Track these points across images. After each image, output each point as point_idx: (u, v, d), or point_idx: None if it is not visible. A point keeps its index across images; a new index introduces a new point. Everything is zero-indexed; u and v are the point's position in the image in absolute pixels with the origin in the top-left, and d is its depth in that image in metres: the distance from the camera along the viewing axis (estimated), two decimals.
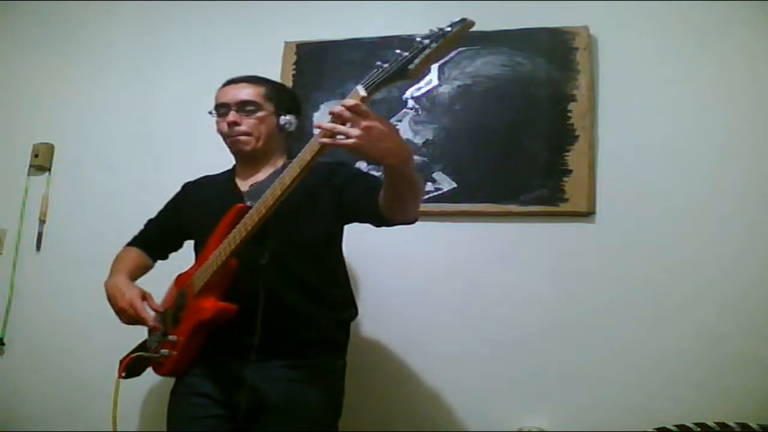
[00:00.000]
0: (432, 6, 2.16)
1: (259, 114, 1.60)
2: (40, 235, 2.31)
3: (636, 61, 1.98)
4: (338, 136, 1.21)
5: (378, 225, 1.49)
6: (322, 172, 1.53)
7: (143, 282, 1.66)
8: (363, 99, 1.23)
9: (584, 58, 1.98)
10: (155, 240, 1.79)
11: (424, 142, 2.05)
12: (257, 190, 1.53)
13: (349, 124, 1.20)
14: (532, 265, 1.93)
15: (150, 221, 1.82)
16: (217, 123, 1.65)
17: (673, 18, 1.98)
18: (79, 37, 2.46)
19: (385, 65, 1.22)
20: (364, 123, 1.19)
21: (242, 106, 1.60)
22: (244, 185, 1.63)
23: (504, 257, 1.96)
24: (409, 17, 2.17)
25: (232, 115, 1.59)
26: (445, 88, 2.06)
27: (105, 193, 2.30)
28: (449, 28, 1.20)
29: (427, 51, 1.19)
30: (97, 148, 2.35)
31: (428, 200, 1.99)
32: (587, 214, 1.91)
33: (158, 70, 2.36)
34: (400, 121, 2.07)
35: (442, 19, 2.08)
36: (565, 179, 1.93)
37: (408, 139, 2.06)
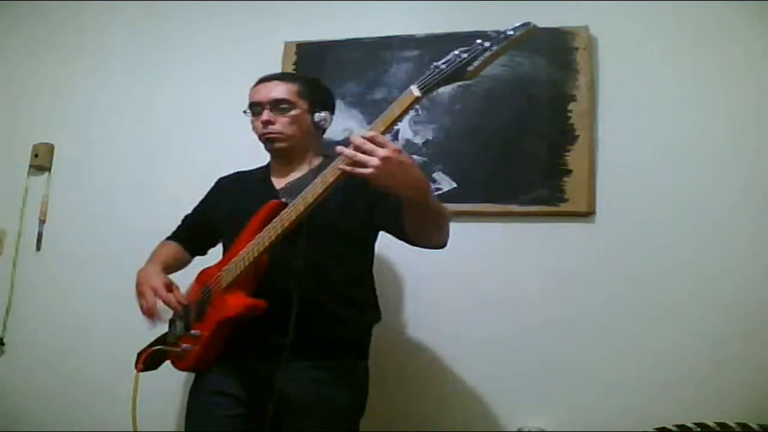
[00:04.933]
0: (432, 6, 2.16)
1: (293, 112, 1.58)
2: (40, 235, 2.31)
3: (636, 61, 1.99)
4: (357, 166, 1.22)
5: (411, 245, 1.51)
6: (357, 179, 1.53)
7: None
8: (416, 99, 1.24)
9: (584, 58, 1.98)
10: (191, 235, 1.77)
11: (424, 142, 2.05)
12: (293, 187, 1.52)
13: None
14: (532, 265, 1.93)
15: (186, 217, 1.81)
16: (252, 122, 1.63)
17: (673, 18, 1.99)
18: (80, 38, 2.46)
19: (442, 66, 1.22)
20: (383, 153, 1.21)
21: (276, 105, 1.58)
22: (279, 182, 1.61)
23: (504, 257, 1.96)
24: (409, 17, 2.17)
25: (266, 114, 1.58)
26: (445, 88, 2.05)
27: (105, 193, 2.29)
28: (512, 32, 1.19)
29: (488, 54, 1.18)
30: (97, 148, 2.35)
31: None
32: (587, 214, 1.91)
33: (158, 70, 2.36)
34: (400, 120, 2.07)
35: (442, 19, 2.10)
36: (565, 179, 1.93)
37: (408, 139, 2.06)
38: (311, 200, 1.33)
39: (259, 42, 2.26)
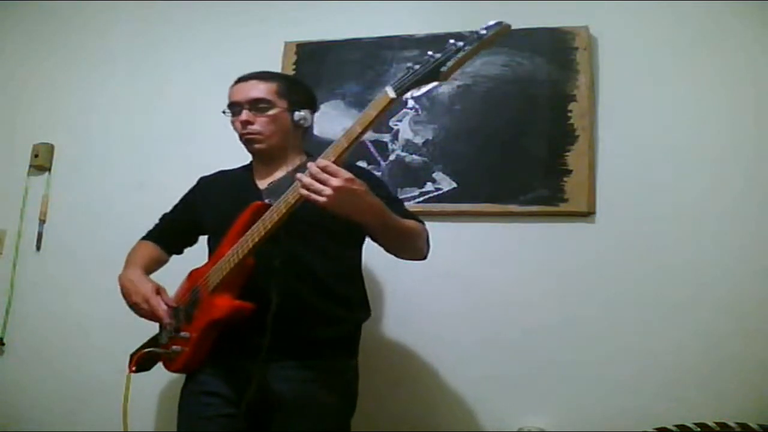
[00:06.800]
0: (432, 6, 2.16)
1: (272, 112, 1.57)
2: (40, 235, 2.31)
3: (636, 61, 1.98)
4: (313, 192, 1.26)
5: None
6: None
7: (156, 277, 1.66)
8: (392, 100, 1.25)
9: (584, 58, 1.98)
10: (170, 234, 1.77)
11: (424, 142, 2.05)
12: (276, 187, 1.53)
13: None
14: (532, 265, 1.93)
15: (165, 215, 1.80)
16: (232, 123, 1.62)
17: (673, 18, 1.98)
18: (80, 38, 2.46)
19: (417, 66, 1.23)
20: (335, 183, 1.24)
21: (254, 104, 1.57)
22: (262, 182, 1.61)
23: (504, 257, 1.96)
24: (409, 17, 2.17)
25: (245, 114, 1.57)
26: (445, 88, 2.06)
27: (105, 193, 2.30)
28: (484, 31, 1.20)
29: (461, 54, 1.20)
30: (97, 148, 2.35)
31: (428, 200, 1.99)
32: (587, 214, 1.91)
33: (158, 70, 2.36)
34: (400, 121, 2.08)
35: (441, 19, 2.10)
36: (565, 179, 1.93)
37: (408, 140, 2.06)
38: (293, 201, 1.34)
39: (259, 42, 2.26)
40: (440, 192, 2.00)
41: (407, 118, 2.08)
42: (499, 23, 1.20)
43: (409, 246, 1.52)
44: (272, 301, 1.41)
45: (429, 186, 2.01)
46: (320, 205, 1.26)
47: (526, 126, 1.99)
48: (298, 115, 1.59)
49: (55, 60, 2.47)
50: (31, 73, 2.48)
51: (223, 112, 1.63)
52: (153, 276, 1.66)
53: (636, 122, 1.95)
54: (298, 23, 2.25)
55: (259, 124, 1.58)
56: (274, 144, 1.59)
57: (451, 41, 1.21)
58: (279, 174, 1.61)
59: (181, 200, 1.78)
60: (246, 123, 1.57)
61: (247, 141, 1.60)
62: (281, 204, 1.36)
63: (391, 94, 1.25)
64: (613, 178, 1.92)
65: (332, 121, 2.08)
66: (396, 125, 2.07)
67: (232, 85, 1.63)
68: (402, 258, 1.55)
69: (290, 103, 1.59)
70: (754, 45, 1.91)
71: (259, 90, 1.58)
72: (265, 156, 1.62)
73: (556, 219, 1.93)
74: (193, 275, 1.59)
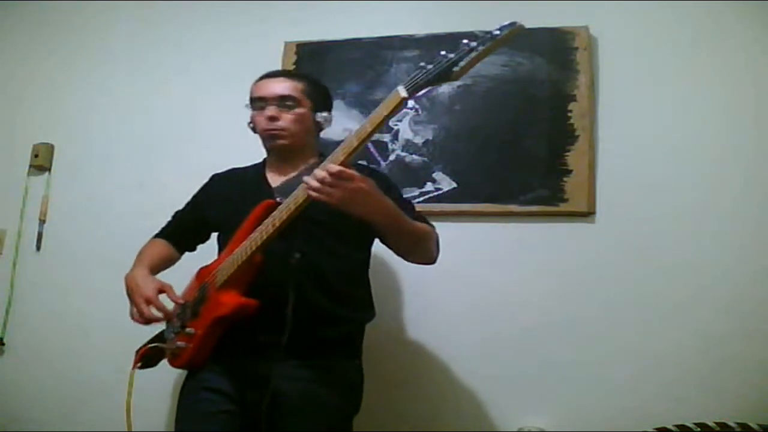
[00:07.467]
0: (432, 6, 2.16)
1: (298, 110, 1.58)
2: (40, 235, 2.31)
3: (636, 61, 1.99)
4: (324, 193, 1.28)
5: None
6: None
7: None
8: (403, 99, 1.25)
9: (584, 58, 1.98)
10: (182, 232, 1.77)
11: (424, 142, 2.05)
12: (288, 186, 1.52)
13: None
14: (532, 265, 1.93)
15: (177, 213, 1.80)
16: (253, 117, 1.62)
17: (673, 18, 1.98)
18: (80, 38, 2.47)
19: (429, 66, 1.23)
20: (349, 186, 1.26)
21: (281, 101, 1.57)
22: (274, 181, 1.61)
23: (504, 257, 1.96)
24: (409, 17, 2.17)
25: (272, 110, 1.57)
26: (445, 88, 2.06)
27: (105, 193, 2.30)
28: (498, 32, 1.19)
29: (474, 54, 1.20)
30: (97, 148, 2.35)
31: (428, 200, 1.99)
32: (587, 214, 1.91)
33: (158, 70, 2.36)
34: (400, 121, 2.07)
35: (441, 19, 2.10)
36: (565, 179, 1.93)
37: (408, 140, 2.06)
38: (302, 200, 1.34)
39: (259, 42, 2.26)
40: (440, 192, 2.00)
41: (407, 118, 2.08)
42: (513, 23, 1.20)
43: (419, 249, 1.53)
44: (287, 302, 1.42)
45: (429, 186, 2.01)
46: (333, 203, 1.27)
47: (526, 126, 1.99)
48: (320, 116, 1.61)
49: (55, 60, 2.47)
50: (31, 73, 2.48)
51: (246, 106, 1.62)
52: (164, 274, 1.66)
53: (636, 122, 1.95)
54: (298, 23, 2.25)
55: (285, 121, 1.57)
56: (296, 142, 1.59)
57: (465, 41, 1.20)
58: (293, 173, 1.60)
59: (193, 197, 1.78)
60: (272, 118, 1.57)
61: (271, 136, 1.59)
62: (291, 202, 1.36)
63: (403, 93, 1.25)
64: (613, 178, 1.92)
65: (332, 121, 2.08)
66: (396, 125, 2.07)
67: (257, 81, 1.63)
68: (411, 261, 1.56)
69: (314, 104, 1.61)
70: (754, 45, 1.91)
71: (286, 87, 1.59)
72: (283, 154, 1.62)
73: (556, 219, 1.93)
74: (202, 272, 1.59)
